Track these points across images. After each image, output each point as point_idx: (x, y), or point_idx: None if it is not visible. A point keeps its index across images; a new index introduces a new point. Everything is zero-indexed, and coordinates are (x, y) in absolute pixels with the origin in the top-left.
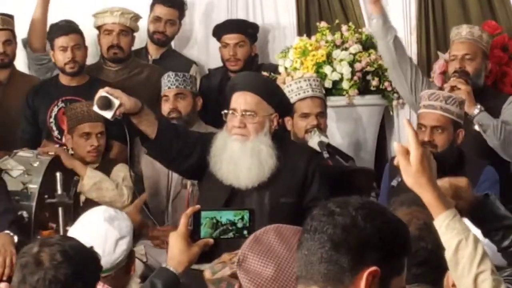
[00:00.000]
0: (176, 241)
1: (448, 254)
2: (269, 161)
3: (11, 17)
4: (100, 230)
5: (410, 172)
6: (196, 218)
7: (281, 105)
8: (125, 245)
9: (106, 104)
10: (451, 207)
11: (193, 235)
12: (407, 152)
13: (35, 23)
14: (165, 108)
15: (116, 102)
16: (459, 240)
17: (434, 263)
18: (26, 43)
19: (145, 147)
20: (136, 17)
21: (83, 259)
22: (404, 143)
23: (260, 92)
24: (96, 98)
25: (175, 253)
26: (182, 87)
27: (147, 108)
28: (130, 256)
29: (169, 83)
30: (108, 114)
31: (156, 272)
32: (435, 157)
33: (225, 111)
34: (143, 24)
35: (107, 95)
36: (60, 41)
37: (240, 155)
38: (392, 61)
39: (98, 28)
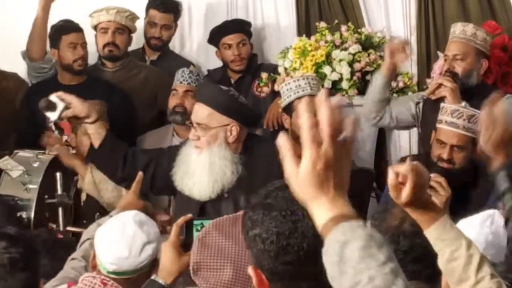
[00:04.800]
0: (166, 250)
1: (441, 264)
2: (227, 172)
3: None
4: (129, 232)
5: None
6: (188, 228)
7: (241, 115)
8: (151, 250)
9: (49, 106)
10: (440, 217)
11: (185, 244)
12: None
13: (37, 32)
14: (172, 102)
15: (61, 105)
16: (451, 250)
17: (429, 260)
18: (25, 55)
19: (88, 156)
20: (133, 16)
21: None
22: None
23: (212, 103)
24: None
25: (165, 263)
26: (193, 85)
27: (103, 122)
28: (153, 264)
29: (181, 78)
30: (53, 116)
31: (145, 285)
32: (451, 173)
33: (187, 122)
34: (141, 24)
35: (52, 98)
36: (70, 37)
37: (195, 167)
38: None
39: (95, 28)
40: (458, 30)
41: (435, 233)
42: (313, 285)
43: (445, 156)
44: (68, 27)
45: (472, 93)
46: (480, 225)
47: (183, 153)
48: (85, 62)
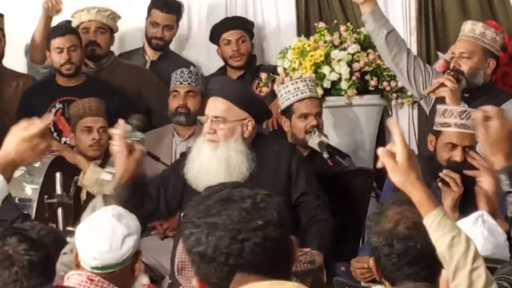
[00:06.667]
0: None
1: (441, 250)
2: (242, 167)
3: (1, 15)
4: (107, 226)
5: (399, 170)
6: None
7: (256, 109)
8: (132, 242)
9: None
10: (439, 206)
11: None
12: (391, 154)
13: (37, 39)
14: (174, 103)
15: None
16: (452, 236)
17: (424, 262)
18: (28, 51)
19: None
20: (114, 15)
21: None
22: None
23: (230, 97)
24: None
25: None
26: (194, 85)
27: None
28: (136, 255)
29: (181, 78)
30: None
31: None
32: (460, 171)
33: (199, 117)
34: (142, 24)
35: None
36: (56, 42)
37: (210, 161)
38: (386, 58)
39: (77, 28)
40: (467, 28)
41: (437, 218)
42: None
43: (458, 158)
44: (56, 30)
45: (478, 92)
46: (473, 225)
47: (195, 150)
48: (75, 65)
